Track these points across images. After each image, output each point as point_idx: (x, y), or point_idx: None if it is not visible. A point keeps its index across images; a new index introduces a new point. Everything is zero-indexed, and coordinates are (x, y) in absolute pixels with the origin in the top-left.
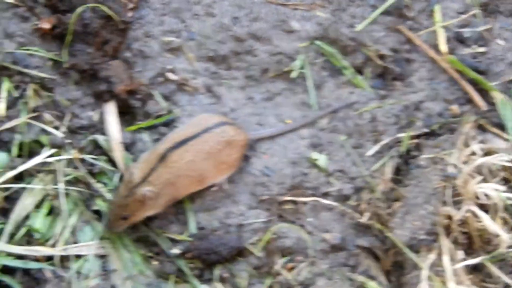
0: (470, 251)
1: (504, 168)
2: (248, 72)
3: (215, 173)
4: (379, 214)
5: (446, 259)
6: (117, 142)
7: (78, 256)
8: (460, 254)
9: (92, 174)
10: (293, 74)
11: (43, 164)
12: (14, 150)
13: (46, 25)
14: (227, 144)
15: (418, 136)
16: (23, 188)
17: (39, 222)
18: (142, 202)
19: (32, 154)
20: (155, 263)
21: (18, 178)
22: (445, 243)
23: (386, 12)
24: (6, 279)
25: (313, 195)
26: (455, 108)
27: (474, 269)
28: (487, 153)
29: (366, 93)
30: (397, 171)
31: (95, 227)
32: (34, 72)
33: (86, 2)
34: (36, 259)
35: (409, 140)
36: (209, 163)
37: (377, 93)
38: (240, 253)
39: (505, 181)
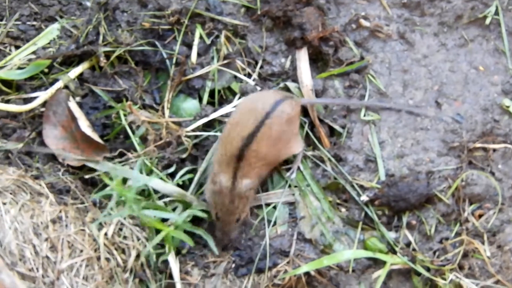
0: None
1: None
2: (442, 18)
3: (287, 149)
4: None
5: None
6: (309, 89)
7: (267, 204)
8: None
9: None
10: (487, 21)
11: None
12: (205, 97)
13: None
14: (288, 122)
15: None
16: (213, 136)
17: None
18: (246, 196)
19: (222, 101)
20: (343, 210)
21: (208, 125)
22: None
23: None
24: (195, 229)
25: (503, 142)
26: None
27: None
28: None
29: None
30: None
31: (284, 175)
32: (227, 19)
33: None
34: None
35: None
36: (280, 145)
37: None
38: (429, 200)
39: None
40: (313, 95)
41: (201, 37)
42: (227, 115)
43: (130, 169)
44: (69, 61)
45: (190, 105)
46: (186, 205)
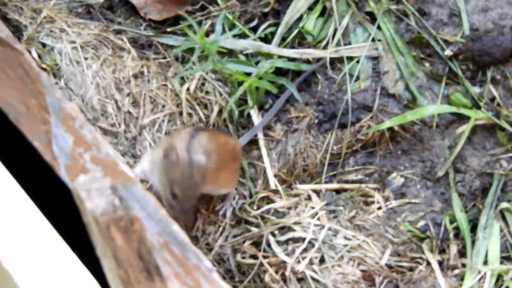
0: None
1: None
2: None
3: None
4: None
5: None
6: None
7: (350, 58)
8: None
9: None
10: None
11: None
12: None
13: None
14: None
15: None
16: None
17: (311, 24)
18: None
19: None
20: (427, 65)
21: None
22: None
23: None
24: (278, 79)
25: None
26: None
27: None
28: None
29: None
30: None
31: (367, 28)
32: None
33: None
34: (308, 61)
35: None
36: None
37: None
38: None
39: None
40: None
41: None
42: None
43: (213, 23)
44: None
45: None
46: (269, 58)
